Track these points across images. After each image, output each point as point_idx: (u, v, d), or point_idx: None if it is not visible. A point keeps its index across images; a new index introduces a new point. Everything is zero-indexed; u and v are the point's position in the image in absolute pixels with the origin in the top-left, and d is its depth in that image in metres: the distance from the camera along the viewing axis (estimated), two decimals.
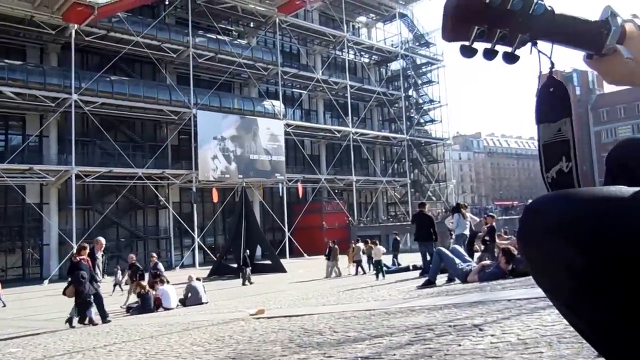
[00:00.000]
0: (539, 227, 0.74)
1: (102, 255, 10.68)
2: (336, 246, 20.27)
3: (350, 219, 46.27)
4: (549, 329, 2.57)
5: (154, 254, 18.25)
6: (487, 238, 12.94)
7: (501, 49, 0.85)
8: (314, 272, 21.17)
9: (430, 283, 8.35)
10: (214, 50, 38.96)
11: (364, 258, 20.24)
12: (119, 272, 20.66)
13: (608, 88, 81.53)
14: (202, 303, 12.01)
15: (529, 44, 0.86)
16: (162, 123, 38.71)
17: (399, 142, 53.48)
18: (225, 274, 24.42)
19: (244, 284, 19.35)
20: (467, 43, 0.84)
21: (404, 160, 53.72)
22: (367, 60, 54.25)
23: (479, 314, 3.61)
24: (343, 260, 21.19)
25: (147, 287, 12.02)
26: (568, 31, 0.87)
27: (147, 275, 14.77)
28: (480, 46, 0.84)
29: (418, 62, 56.42)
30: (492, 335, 2.63)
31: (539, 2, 0.83)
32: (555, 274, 0.73)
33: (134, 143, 37.35)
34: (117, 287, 19.81)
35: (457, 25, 0.82)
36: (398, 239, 21.73)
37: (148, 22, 35.83)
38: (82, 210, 34.28)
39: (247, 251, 21.85)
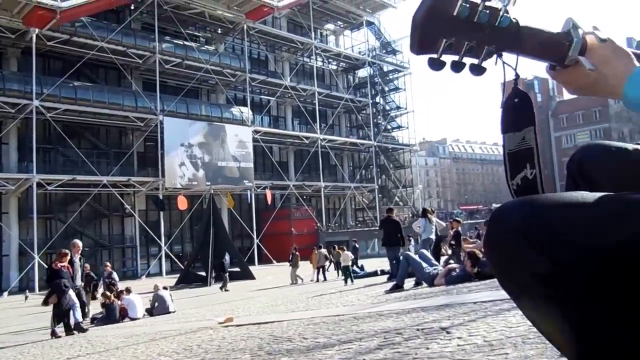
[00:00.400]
0: (504, 233, 0.75)
1: (80, 259, 10.41)
2: (297, 253, 20.41)
3: (318, 224, 46.30)
4: (513, 330, 2.62)
5: (108, 264, 17.92)
6: (453, 242, 13.14)
7: (468, 61, 0.86)
8: (283, 279, 21.09)
9: (398, 287, 8.41)
10: (181, 57, 38.61)
11: (328, 264, 20.34)
12: None
13: (567, 95, 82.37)
14: (169, 312, 11.83)
15: (495, 55, 0.88)
16: (128, 130, 38.13)
17: (367, 148, 53.84)
18: (193, 282, 24.16)
19: (222, 288, 19.29)
20: (435, 56, 0.84)
21: (371, 166, 54.09)
22: (334, 67, 54.55)
23: (446, 317, 3.65)
24: (308, 267, 21.24)
25: (112, 297, 11.78)
26: (532, 43, 0.89)
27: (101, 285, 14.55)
28: (448, 58, 0.85)
29: (385, 69, 56.98)
30: (459, 338, 2.66)
31: (505, 14, 0.84)
32: (520, 280, 0.74)
33: (99, 150, 36.65)
34: None
35: (425, 38, 0.83)
36: (357, 246, 21.99)
37: (113, 27, 35.25)
38: (44, 220, 33.51)
39: (226, 258, 21.79)
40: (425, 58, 0.86)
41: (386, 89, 57.13)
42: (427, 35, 0.82)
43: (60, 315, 9.09)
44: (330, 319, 5.05)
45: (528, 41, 0.88)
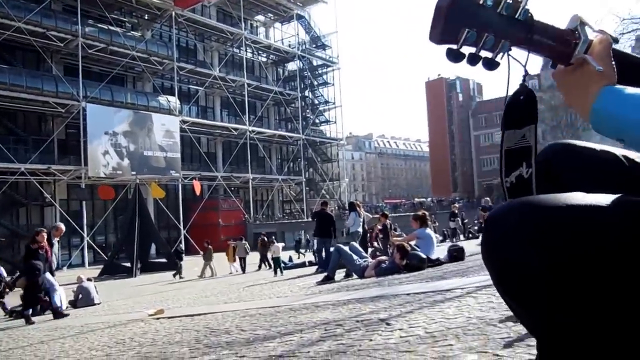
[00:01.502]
0: (507, 234, 0.76)
1: (58, 242, 9.81)
2: (210, 246, 20.68)
3: (246, 216, 46.11)
4: (452, 321, 2.70)
5: None
6: (381, 235, 13.48)
7: (483, 54, 0.84)
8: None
9: (329, 279, 8.55)
10: (106, 42, 37.08)
11: (248, 256, 20.45)
12: None
13: (487, 96, 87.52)
14: (94, 304, 11.46)
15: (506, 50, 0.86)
16: (48, 116, 36.31)
17: (295, 141, 54.04)
18: (117, 273, 23.52)
19: (176, 276, 19.60)
20: (455, 47, 0.82)
21: (299, 159, 54.42)
22: (264, 60, 54.22)
23: (382, 309, 3.70)
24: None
25: None
26: (543, 39, 0.87)
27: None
28: (465, 51, 0.83)
29: (314, 63, 57.33)
30: (400, 330, 2.71)
31: (525, 7, 0.83)
32: (526, 282, 0.75)
33: (16, 136, 34.55)
34: None
35: (448, 26, 0.81)
36: (266, 239, 22.12)
37: (31, 8, 33.25)
38: None
39: (182, 245, 21.58)
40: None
41: (315, 83, 57.53)
42: (451, 23, 0.80)
43: (31, 298, 8.68)
44: (266, 310, 5.06)
45: (540, 37, 0.87)
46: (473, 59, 0.84)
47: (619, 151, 0.96)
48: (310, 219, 33.60)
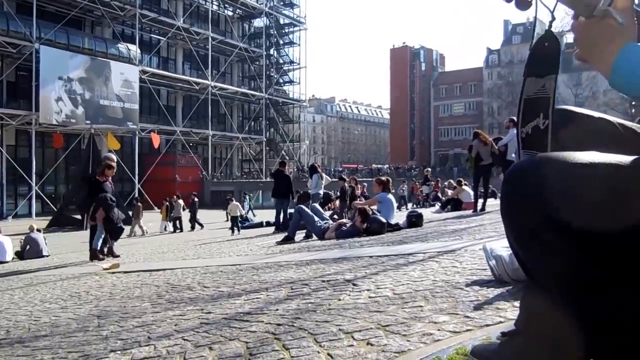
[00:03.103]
0: (528, 190, 0.76)
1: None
2: (139, 204, 20.78)
3: (204, 173, 45.62)
4: (419, 284, 2.71)
5: None
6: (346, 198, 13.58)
7: None
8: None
9: (289, 239, 8.55)
10: None
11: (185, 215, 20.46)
12: None
13: (449, 67, 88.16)
14: (43, 256, 11.22)
15: None
16: None
17: (257, 100, 53.40)
18: (66, 225, 23.02)
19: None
20: None
21: (261, 118, 53.93)
22: (230, 14, 52.86)
23: (347, 270, 3.70)
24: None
25: None
26: None
27: None
28: None
29: (281, 22, 56.30)
30: (368, 290, 2.71)
31: None
32: (547, 236, 0.75)
33: None
34: None
35: None
36: (197, 200, 22.01)
37: None
38: None
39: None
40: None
41: (281, 42, 56.68)
42: None
43: (113, 231, 8.46)
44: (227, 268, 5.01)
45: None
46: None
47: (615, 119, 0.97)
48: (268, 179, 33.43)
